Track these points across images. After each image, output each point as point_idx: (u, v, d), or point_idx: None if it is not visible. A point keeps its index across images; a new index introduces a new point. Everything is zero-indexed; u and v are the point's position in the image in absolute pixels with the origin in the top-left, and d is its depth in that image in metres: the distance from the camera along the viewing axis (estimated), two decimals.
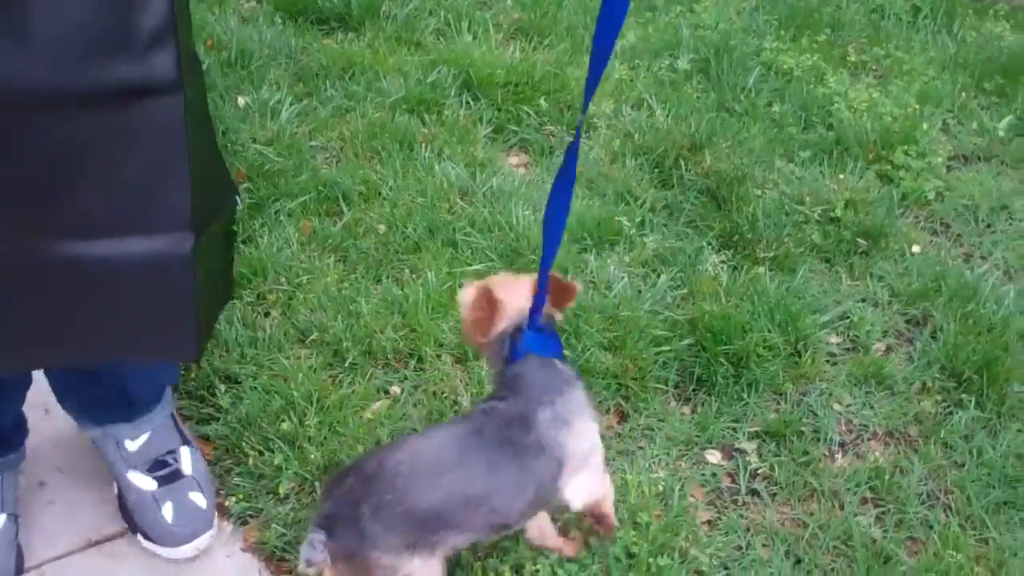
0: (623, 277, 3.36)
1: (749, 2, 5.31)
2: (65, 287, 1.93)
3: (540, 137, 4.08)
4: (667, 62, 4.62)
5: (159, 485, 2.57)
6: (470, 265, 3.36)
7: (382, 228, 3.50)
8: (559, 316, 2.40)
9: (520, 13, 4.96)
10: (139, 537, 2.56)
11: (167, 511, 2.53)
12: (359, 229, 3.49)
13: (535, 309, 2.26)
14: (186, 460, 2.62)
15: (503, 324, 2.27)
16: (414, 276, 3.31)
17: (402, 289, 3.25)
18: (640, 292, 3.35)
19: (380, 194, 3.66)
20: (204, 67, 4.03)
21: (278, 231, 3.43)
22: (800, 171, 3.99)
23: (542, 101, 4.21)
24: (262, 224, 3.45)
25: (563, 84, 4.31)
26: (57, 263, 1.90)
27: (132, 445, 2.60)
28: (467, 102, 4.20)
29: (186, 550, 2.53)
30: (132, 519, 2.57)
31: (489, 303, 2.25)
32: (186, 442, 2.66)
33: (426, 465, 2.16)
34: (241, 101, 4.04)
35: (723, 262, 3.49)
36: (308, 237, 3.44)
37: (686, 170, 3.90)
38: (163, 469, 2.59)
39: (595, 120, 4.16)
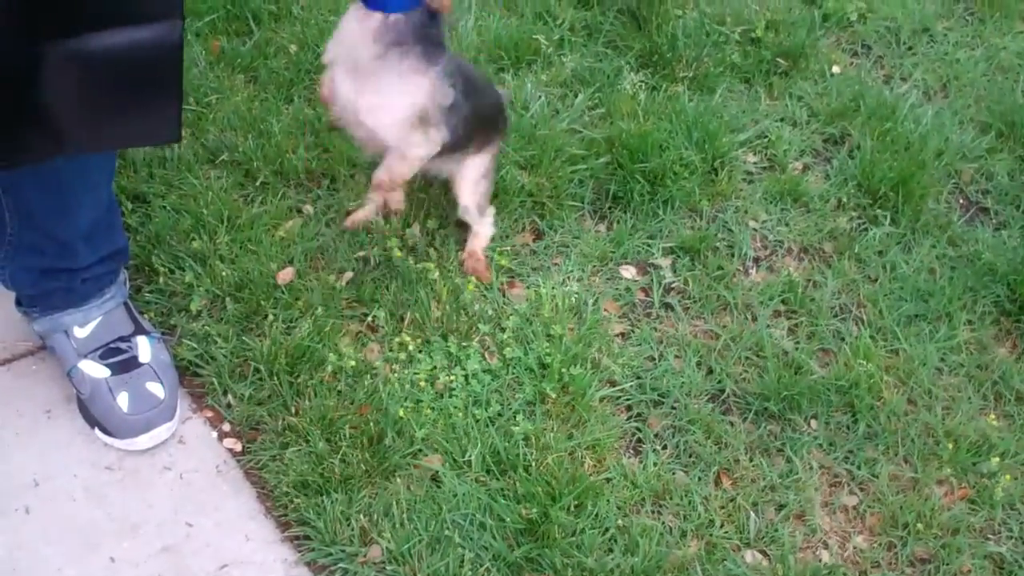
0: (540, 96, 3.31)
1: None
2: (71, 80, 1.94)
3: None
4: None
5: (112, 373, 2.45)
6: None
7: (293, 48, 3.40)
8: None
9: None
10: (97, 432, 2.44)
11: (122, 400, 2.42)
12: (269, 49, 3.40)
13: None
14: (144, 349, 2.50)
15: None
16: None
17: (314, 109, 3.18)
18: (558, 112, 3.30)
19: (291, 13, 3.55)
20: None
21: (185, 51, 3.31)
22: None
23: None
24: None
25: None
26: (65, 57, 1.90)
27: (82, 332, 2.49)
28: None
29: (141, 441, 2.42)
30: (89, 412, 2.45)
31: None
32: (143, 332, 2.55)
33: None
34: None
35: (642, 81, 3.44)
36: (217, 57, 3.35)
37: None
38: (116, 356, 2.48)
39: None
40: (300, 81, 3.29)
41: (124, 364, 2.48)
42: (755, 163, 3.27)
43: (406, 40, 2.36)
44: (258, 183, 2.97)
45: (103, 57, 1.93)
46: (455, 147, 2.63)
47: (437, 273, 2.77)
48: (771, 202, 3.14)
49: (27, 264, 2.44)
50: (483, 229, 2.87)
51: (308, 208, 2.94)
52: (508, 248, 2.89)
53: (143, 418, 2.42)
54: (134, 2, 1.92)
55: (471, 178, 2.79)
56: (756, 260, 2.99)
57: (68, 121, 2.00)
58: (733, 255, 2.98)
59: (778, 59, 3.62)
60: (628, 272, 2.90)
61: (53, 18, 1.86)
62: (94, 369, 2.46)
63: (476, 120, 2.64)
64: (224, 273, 2.70)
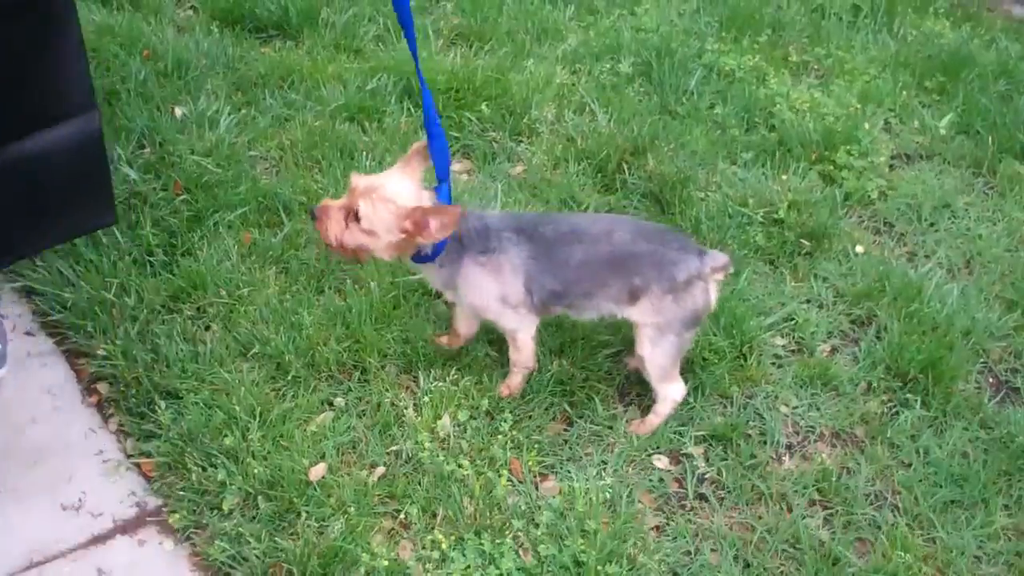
0: None
1: (690, 4, 5.30)
2: (7, 189, 2.12)
3: (483, 143, 4.04)
4: (608, 65, 4.60)
5: None
6: (415, 275, 3.32)
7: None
8: None
9: (460, 18, 4.93)
10: None
11: None
12: (300, 240, 3.45)
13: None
14: None
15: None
16: (356, 287, 3.27)
17: (345, 300, 3.21)
18: None
19: None
20: (141, 78, 3.99)
21: (217, 243, 3.38)
22: (743, 173, 3.99)
23: (484, 107, 4.18)
24: (201, 236, 3.39)
25: (504, 89, 4.28)
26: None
27: None
28: (408, 109, 4.16)
29: None
30: None
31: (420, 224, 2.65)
32: None
33: None
34: (178, 112, 3.98)
35: None
36: (248, 248, 3.39)
37: (629, 174, 3.89)
38: None
39: (537, 125, 4.14)
40: (331, 272, 3.33)
41: None
42: (783, 346, 3.27)
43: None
44: (290, 376, 2.98)
45: (33, 161, 2.10)
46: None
47: (470, 468, 2.77)
48: (801, 386, 3.14)
49: None
50: (658, 403, 2.97)
51: (339, 401, 2.95)
52: (541, 439, 2.89)
53: None
54: (51, 105, 2.11)
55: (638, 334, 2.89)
56: (789, 447, 2.98)
57: (12, 227, 2.17)
58: (766, 442, 2.96)
59: (802, 240, 3.66)
60: (661, 462, 2.89)
61: None
62: None
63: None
64: (256, 470, 2.70)
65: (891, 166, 4.18)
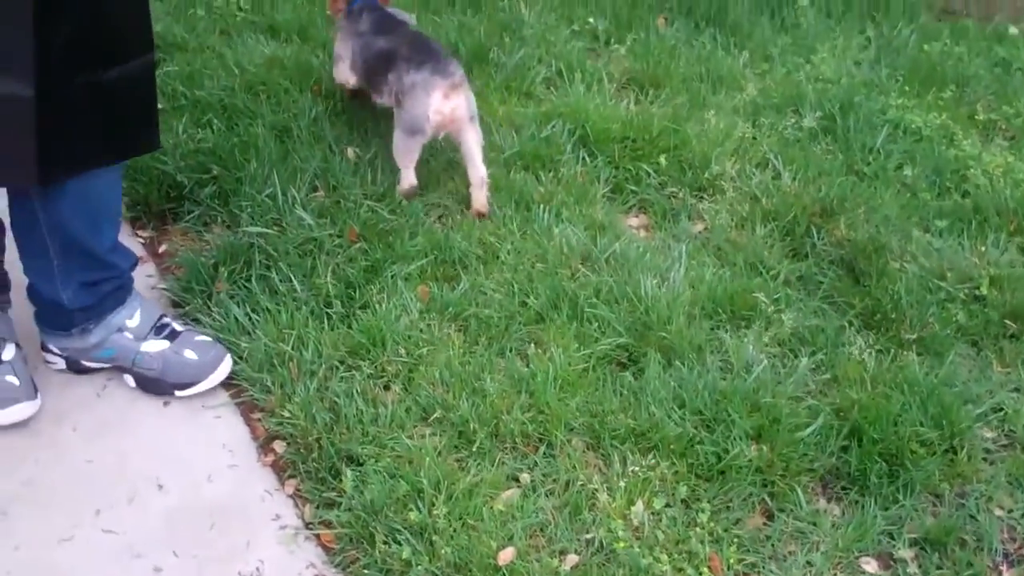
0: (763, 360, 3.15)
1: (868, 53, 5.09)
2: (91, 106, 2.58)
3: (661, 198, 3.88)
4: (792, 119, 4.41)
5: (171, 341, 3.03)
6: (597, 341, 3.17)
7: (500, 295, 3.31)
8: None
9: (631, 62, 4.78)
10: (177, 394, 3.01)
11: (189, 355, 3.01)
12: (479, 296, 3.31)
13: None
14: (175, 323, 3.11)
15: None
16: (539, 350, 3.13)
17: (528, 365, 3.07)
18: (779, 375, 3.14)
19: (498, 258, 3.47)
20: (312, 115, 3.91)
21: (396, 297, 3.26)
22: (938, 242, 3.77)
23: (661, 159, 4.02)
24: (379, 289, 3.28)
25: (683, 140, 4.12)
26: (89, 88, 2.56)
27: (133, 322, 3.03)
28: (583, 158, 4.01)
29: (220, 372, 3.04)
30: (164, 382, 3.01)
31: None
32: (165, 314, 3.13)
33: None
34: (351, 153, 3.89)
35: (868, 345, 3.27)
36: (427, 304, 3.26)
37: (819, 238, 3.69)
38: (166, 330, 3.06)
39: (720, 182, 3.96)
40: (512, 333, 3.18)
41: (172, 333, 3.06)
42: (992, 439, 3.06)
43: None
44: (474, 447, 2.84)
45: (110, 87, 2.56)
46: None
47: (667, 563, 2.60)
48: (1016, 487, 2.92)
49: (83, 280, 2.89)
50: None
51: (525, 476, 2.80)
52: (741, 533, 2.71)
53: (211, 358, 3.01)
54: (125, 45, 2.61)
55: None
56: (1006, 556, 2.77)
57: (86, 139, 2.59)
58: (982, 548, 2.75)
59: (1006, 320, 3.43)
60: (870, 566, 2.69)
61: (81, 60, 2.49)
62: (156, 345, 3.02)
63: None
64: (443, 551, 2.56)
65: None
